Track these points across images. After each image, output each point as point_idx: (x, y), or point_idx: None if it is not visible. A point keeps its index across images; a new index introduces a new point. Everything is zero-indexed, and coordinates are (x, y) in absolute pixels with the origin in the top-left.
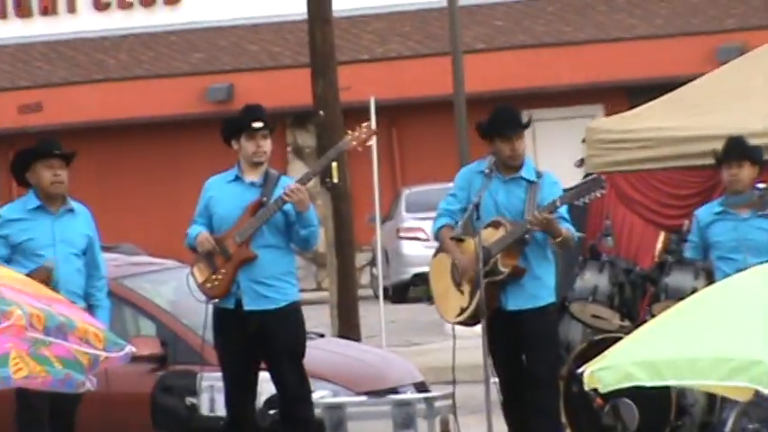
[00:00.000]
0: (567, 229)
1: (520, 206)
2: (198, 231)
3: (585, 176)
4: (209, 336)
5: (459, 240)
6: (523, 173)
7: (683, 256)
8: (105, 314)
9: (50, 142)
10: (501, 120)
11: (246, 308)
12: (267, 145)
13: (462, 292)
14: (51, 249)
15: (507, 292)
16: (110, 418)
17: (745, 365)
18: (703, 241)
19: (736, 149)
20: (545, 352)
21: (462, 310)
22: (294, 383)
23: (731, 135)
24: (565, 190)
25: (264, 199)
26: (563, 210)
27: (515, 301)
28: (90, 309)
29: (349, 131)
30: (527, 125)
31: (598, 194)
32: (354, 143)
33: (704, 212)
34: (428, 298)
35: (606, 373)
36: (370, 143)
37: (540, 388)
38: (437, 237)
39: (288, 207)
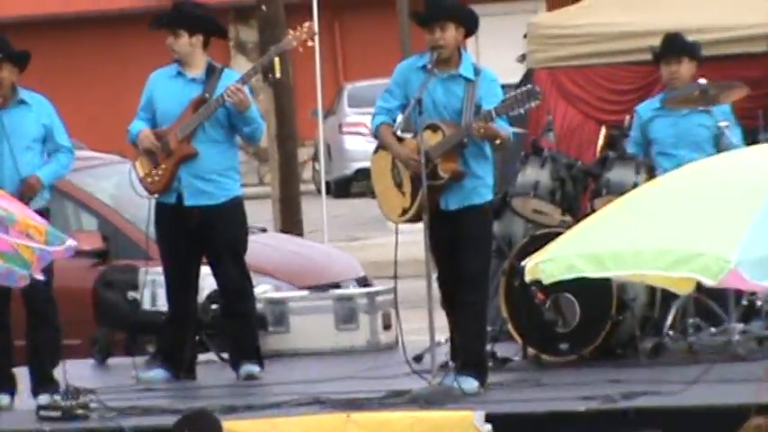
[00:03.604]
0: (504, 129)
1: (458, 105)
2: (139, 128)
3: (526, 74)
4: (153, 231)
5: (399, 140)
6: (462, 70)
7: (625, 151)
8: (55, 167)
9: None
10: (425, 6)
11: (187, 203)
12: (178, 44)
13: (404, 194)
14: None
15: (447, 194)
16: None
17: (688, 257)
18: (644, 137)
19: (674, 45)
20: (477, 251)
21: (405, 211)
22: (235, 278)
23: (668, 32)
24: (503, 87)
25: (207, 95)
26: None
27: (455, 201)
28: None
29: (290, 30)
30: (452, 13)
31: (533, 105)
32: (295, 43)
33: (644, 108)
34: (372, 192)
35: (549, 264)
36: (310, 43)
37: (469, 286)
38: (376, 134)
39: (229, 105)
